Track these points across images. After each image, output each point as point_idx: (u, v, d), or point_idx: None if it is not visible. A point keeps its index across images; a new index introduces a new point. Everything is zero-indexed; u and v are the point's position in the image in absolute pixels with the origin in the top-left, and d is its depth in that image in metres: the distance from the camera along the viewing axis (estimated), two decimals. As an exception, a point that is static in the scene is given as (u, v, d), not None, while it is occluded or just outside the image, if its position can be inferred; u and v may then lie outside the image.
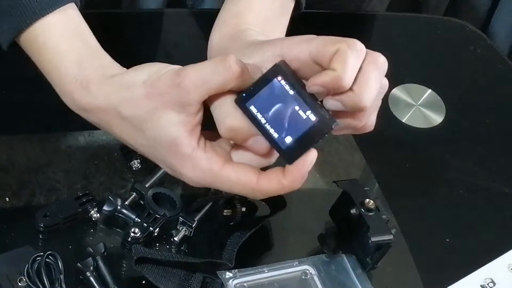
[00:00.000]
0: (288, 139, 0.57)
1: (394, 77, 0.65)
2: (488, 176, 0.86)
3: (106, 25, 0.83)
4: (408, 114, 0.90)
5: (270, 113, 0.58)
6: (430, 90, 0.94)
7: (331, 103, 0.59)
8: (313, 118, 0.57)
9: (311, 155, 0.58)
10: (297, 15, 0.73)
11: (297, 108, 0.57)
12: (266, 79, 0.58)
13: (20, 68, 0.82)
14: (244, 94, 0.58)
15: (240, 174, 0.59)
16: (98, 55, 0.63)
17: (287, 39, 0.62)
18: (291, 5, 0.73)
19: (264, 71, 0.59)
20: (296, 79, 0.58)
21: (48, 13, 0.62)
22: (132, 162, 0.74)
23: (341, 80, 0.57)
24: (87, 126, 0.77)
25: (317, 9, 0.94)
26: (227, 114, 0.58)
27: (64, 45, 0.62)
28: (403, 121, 0.89)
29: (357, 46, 0.58)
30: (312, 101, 0.57)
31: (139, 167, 0.74)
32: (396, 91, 0.92)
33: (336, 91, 0.58)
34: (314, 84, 0.57)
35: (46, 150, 0.75)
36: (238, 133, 0.58)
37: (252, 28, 0.69)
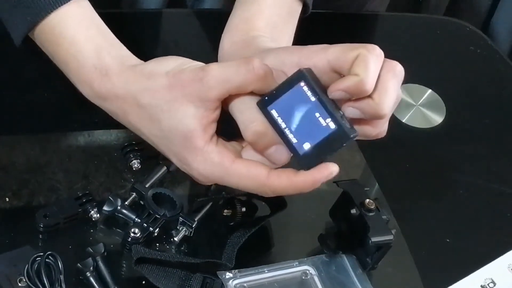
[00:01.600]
0: (307, 146, 0.58)
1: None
2: (488, 176, 0.86)
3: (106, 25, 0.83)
4: (408, 114, 0.90)
5: (291, 118, 0.58)
6: (430, 90, 0.94)
7: (350, 111, 0.59)
8: (332, 126, 0.57)
9: (332, 168, 0.59)
10: (302, 17, 0.74)
11: (317, 115, 0.58)
12: (289, 84, 0.59)
13: (20, 68, 0.82)
14: (266, 98, 0.58)
15: (250, 168, 0.60)
16: (117, 45, 0.64)
17: (304, 48, 0.62)
18: (298, 9, 0.73)
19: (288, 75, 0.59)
20: (319, 86, 0.59)
21: (63, 4, 0.62)
22: (132, 162, 0.74)
23: (364, 84, 0.57)
24: (87, 126, 0.77)
25: (318, 10, 0.94)
26: (253, 119, 0.59)
27: (82, 34, 0.63)
28: (403, 121, 0.89)
29: (376, 51, 0.59)
30: (334, 109, 0.58)
31: (139, 167, 0.74)
32: (396, 91, 0.92)
33: (358, 96, 0.58)
34: (336, 90, 0.58)
35: (46, 150, 0.75)
36: (262, 139, 0.59)
37: (263, 34, 0.69)
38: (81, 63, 0.63)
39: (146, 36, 0.91)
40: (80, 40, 0.63)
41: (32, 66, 0.82)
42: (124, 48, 0.64)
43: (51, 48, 0.64)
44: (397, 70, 0.60)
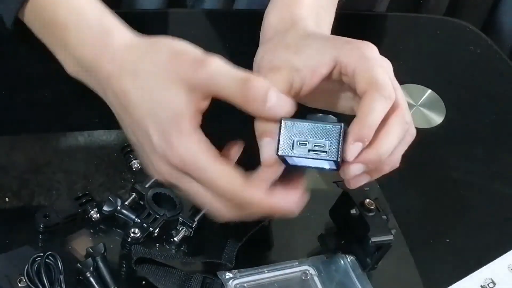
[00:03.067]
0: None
1: (394, 77, 0.65)
2: (488, 176, 0.86)
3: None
4: (408, 114, 0.90)
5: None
6: (430, 90, 0.94)
7: (356, 169, 0.59)
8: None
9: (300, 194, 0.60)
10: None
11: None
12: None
13: (20, 68, 0.82)
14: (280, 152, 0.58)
15: (231, 170, 0.58)
16: (118, 18, 0.63)
17: (346, 44, 0.62)
18: None
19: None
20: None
21: None
22: (132, 162, 0.74)
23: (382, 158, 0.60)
24: (87, 126, 0.77)
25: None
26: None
27: (82, 1, 0.62)
28: (403, 121, 0.89)
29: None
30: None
31: (139, 167, 0.74)
32: (396, 91, 0.92)
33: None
34: (357, 162, 0.58)
35: (46, 150, 0.75)
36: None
37: (309, 16, 0.68)
38: (83, 21, 0.61)
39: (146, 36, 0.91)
40: (81, 2, 0.62)
41: (32, 66, 0.82)
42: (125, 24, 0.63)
43: (48, 14, 0.62)
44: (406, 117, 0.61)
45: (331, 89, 0.63)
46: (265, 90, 0.57)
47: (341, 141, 0.57)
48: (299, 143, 0.58)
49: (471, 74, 1.01)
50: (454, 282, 0.73)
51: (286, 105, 0.59)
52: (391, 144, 0.60)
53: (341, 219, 0.73)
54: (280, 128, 0.58)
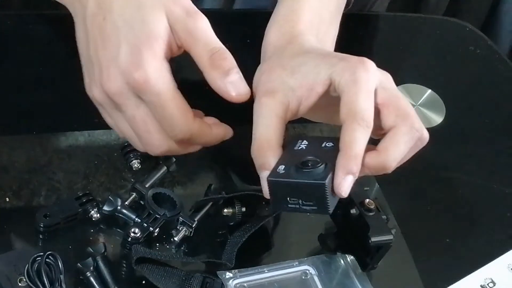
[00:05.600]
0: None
1: (394, 77, 0.65)
2: (488, 176, 0.86)
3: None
4: (408, 114, 0.90)
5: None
6: (430, 90, 0.94)
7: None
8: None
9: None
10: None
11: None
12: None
13: (20, 68, 0.82)
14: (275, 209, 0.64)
15: (183, 101, 0.61)
16: None
17: (340, 62, 0.62)
18: (342, 5, 0.73)
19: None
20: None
21: None
22: (132, 162, 0.74)
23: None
24: (87, 126, 0.77)
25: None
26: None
27: None
28: (403, 121, 0.89)
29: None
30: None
31: (139, 167, 0.74)
32: (396, 91, 0.92)
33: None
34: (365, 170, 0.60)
35: (46, 150, 0.75)
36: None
37: (309, 31, 0.68)
38: None
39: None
40: None
41: (32, 66, 0.82)
42: None
43: None
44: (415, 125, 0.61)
45: (330, 103, 0.62)
46: (232, 65, 0.60)
47: (328, 195, 0.58)
48: (290, 198, 0.59)
49: (471, 74, 1.01)
50: (454, 282, 0.73)
51: (243, 86, 0.61)
52: (398, 154, 0.61)
53: (341, 219, 0.73)
54: (268, 184, 0.59)
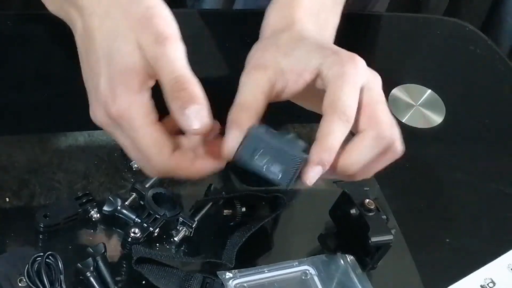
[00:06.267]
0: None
1: (394, 77, 0.65)
2: (488, 176, 0.86)
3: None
4: (408, 114, 0.90)
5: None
6: (430, 90, 0.94)
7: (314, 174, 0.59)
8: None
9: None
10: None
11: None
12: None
13: (20, 68, 0.82)
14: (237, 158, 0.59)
15: (159, 136, 0.58)
16: None
17: (332, 55, 0.61)
18: None
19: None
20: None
21: None
22: (132, 162, 0.74)
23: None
24: (87, 126, 0.77)
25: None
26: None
27: None
28: (403, 121, 0.89)
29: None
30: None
31: (139, 167, 0.74)
32: (396, 91, 0.92)
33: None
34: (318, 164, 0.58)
35: (46, 150, 0.75)
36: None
37: (308, 18, 0.67)
38: None
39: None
40: None
41: (32, 66, 0.82)
42: None
43: None
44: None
45: (316, 94, 0.62)
46: (193, 97, 0.57)
47: (297, 173, 0.58)
48: (259, 155, 0.58)
49: (471, 74, 1.01)
50: (454, 282, 0.73)
51: (202, 120, 0.57)
52: (360, 158, 0.59)
53: (341, 219, 0.73)
54: (247, 133, 0.58)
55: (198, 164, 0.59)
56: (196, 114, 0.56)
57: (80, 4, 0.60)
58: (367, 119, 0.60)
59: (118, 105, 0.58)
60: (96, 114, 0.60)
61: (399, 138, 0.61)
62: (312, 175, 0.58)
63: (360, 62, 0.61)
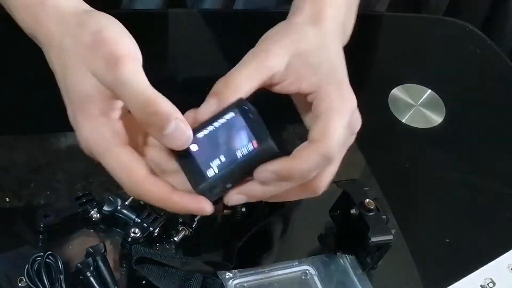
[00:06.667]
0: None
1: (394, 77, 0.65)
2: (488, 176, 0.86)
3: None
4: (408, 114, 0.90)
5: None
6: (430, 90, 0.94)
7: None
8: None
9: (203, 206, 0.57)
10: None
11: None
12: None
13: (20, 68, 0.82)
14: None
15: (134, 161, 0.56)
16: None
17: (336, 85, 0.60)
18: None
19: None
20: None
21: None
22: (132, 162, 0.74)
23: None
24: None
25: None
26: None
27: None
28: (403, 121, 0.89)
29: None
30: None
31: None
32: (396, 91, 0.92)
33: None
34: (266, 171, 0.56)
35: (46, 150, 0.75)
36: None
37: (332, 17, 0.64)
38: None
39: (146, 36, 0.90)
40: None
41: (32, 66, 0.82)
42: None
43: None
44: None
45: (305, 103, 0.61)
46: (166, 118, 0.54)
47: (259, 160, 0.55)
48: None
49: (471, 74, 1.01)
50: (454, 282, 0.73)
51: (182, 136, 0.56)
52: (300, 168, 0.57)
53: (341, 219, 0.73)
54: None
55: (175, 198, 0.56)
56: (175, 131, 0.55)
57: (40, 40, 0.60)
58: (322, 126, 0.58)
59: (81, 133, 0.57)
60: (79, 142, 0.59)
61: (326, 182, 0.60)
62: (265, 175, 0.56)
63: (355, 104, 0.60)
